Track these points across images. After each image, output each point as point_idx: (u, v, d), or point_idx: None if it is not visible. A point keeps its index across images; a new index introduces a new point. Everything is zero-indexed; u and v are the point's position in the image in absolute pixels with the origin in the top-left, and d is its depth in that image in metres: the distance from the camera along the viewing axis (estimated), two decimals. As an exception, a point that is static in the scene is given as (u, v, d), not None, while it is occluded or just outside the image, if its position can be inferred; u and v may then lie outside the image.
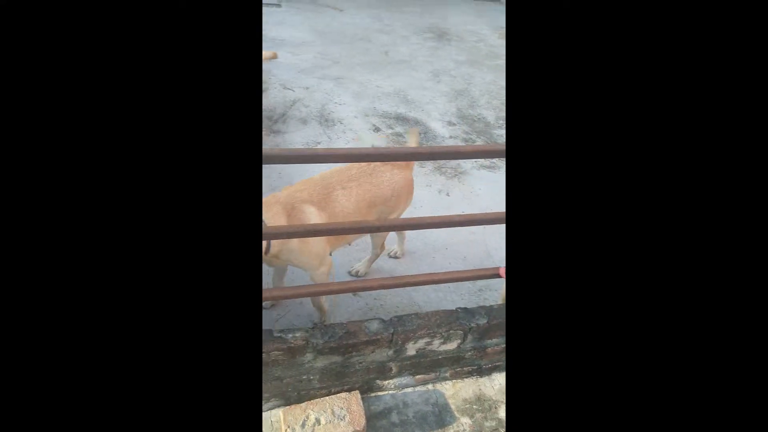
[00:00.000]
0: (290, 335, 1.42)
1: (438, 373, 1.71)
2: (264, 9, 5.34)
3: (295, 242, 1.56)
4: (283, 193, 1.64)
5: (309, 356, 1.45)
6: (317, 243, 1.65)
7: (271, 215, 1.50)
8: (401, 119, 3.63)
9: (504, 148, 1.11)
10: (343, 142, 3.25)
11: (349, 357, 1.50)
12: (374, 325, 1.51)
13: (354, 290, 1.55)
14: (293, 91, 3.78)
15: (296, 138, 3.21)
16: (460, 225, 1.36)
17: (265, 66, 3.82)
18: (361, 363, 1.55)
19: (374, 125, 3.50)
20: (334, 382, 1.57)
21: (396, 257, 2.29)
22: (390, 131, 3.45)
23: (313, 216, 1.60)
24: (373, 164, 1.82)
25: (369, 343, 1.49)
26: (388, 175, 1.82)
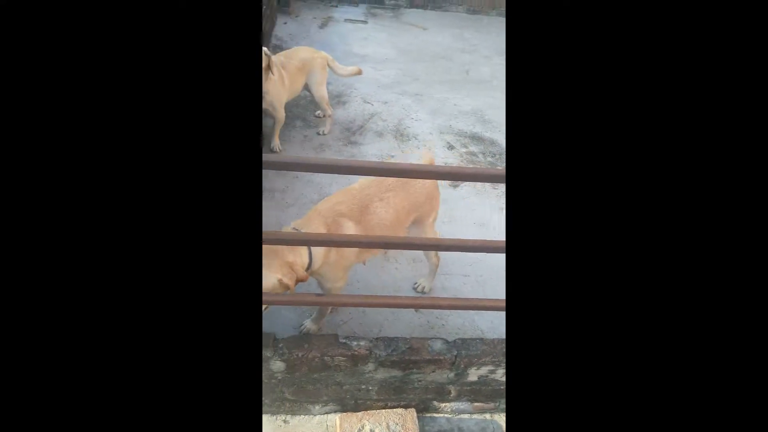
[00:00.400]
0: (355, 343, 1.44)
1: (498, 404, 1.65)
2: (350, 25, 5.58)
3: (333, 256, 1.57)
4: (324, 206, 1.63)
5: (371, 366, 1.46)
6: (349, 258, 1.65)
7: (313, 229, 1.51)
8: (476, 138, 3.60)
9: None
10: (416, 157, 3.28)
11: (410, 373, 1.50)
12: (437, 345, 1.49)
13: (423, 307, 1.55)
14: (372, 105, 3.89)
15: (371, 150, 3.30)
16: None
17: (349, 80, 3.98)
18: (420, 381, 1.53)
19: (448, 143, 3.50)
20: (392, 396, 1.57)
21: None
22: (464, 150, 3.44)
23: (350, 231, 1.59)
24: None
25: (431, 362, 1.47)
26: (421, 180, 1.80)
